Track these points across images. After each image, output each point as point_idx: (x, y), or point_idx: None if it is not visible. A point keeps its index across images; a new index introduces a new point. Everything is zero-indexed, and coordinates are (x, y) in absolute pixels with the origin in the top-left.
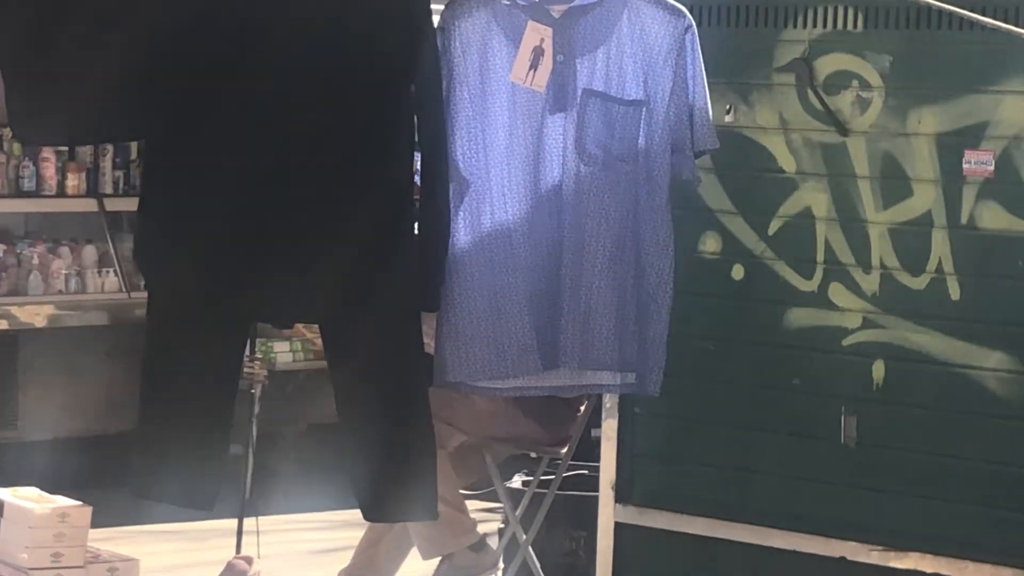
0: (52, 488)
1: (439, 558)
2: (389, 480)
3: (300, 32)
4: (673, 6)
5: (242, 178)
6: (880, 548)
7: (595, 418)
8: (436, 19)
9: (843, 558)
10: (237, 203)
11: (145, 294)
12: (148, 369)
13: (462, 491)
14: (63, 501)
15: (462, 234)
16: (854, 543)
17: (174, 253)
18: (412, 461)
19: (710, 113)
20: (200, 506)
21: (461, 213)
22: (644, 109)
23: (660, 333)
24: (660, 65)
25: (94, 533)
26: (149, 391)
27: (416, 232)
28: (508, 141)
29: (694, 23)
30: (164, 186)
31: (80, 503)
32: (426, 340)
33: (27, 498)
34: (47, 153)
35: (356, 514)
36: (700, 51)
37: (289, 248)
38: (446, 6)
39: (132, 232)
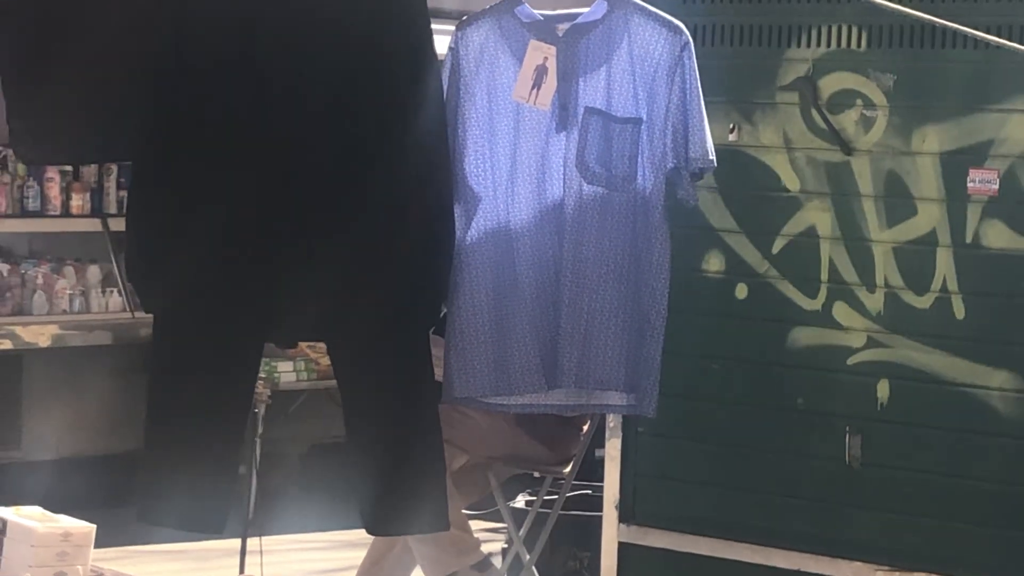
0: (55, 508)
1: None
2: (399, 493)
3: (303, 53)
4: (672, 23)
5: (245, 196)
6: (885, 568)
7: (598, 438)
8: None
9: None
10: (241, 222)
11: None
12: (155, 393)
13: (465, 511)
14: (66, 520)
15: (469, 251)
16: (859, 563)
17: (178, 275)
18: (423, 473)
19: (707, 131)
20: (210, 530)
21: (469, 230)
22: (642, 127)
23: (655, 353)
24: (658, 82)
25: (97, 553)
26: (156, 415)
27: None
28: (512, 159)
29: (691, 40)
30: (164, 207)
31: (83, 523)
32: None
33: (30, 517)
34: (51, 173)
35: (359, 534)
36: (697, 69)
37: (295, 265)
38: (457, 25)
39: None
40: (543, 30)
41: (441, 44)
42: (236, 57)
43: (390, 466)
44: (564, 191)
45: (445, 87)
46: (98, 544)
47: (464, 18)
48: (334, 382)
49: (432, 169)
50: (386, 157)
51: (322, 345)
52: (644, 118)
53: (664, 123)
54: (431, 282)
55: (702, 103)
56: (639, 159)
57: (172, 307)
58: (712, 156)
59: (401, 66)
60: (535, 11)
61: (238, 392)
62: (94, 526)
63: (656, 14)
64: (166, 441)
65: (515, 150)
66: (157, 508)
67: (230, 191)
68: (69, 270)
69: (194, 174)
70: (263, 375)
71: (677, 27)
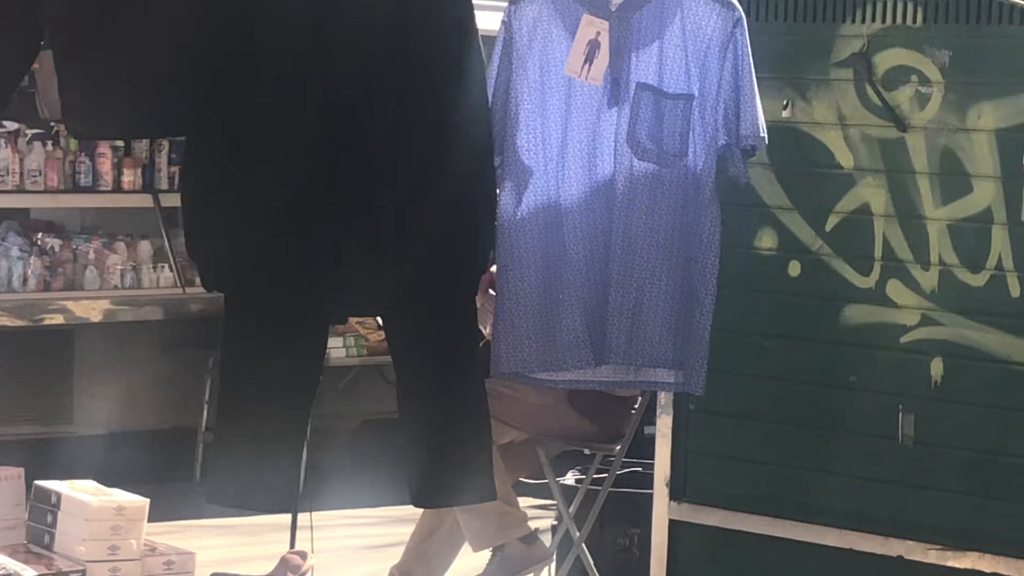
0: (107, 482)
1: (490, 552)
2: (449, 464)
3: (355, 23)
4: None
5: (302, 172)
6: (938, 547)
7: (648, 415)
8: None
9: (900, 557)
10: (299, 197)
11: (199, 289)
12: (225, 375)
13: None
14: (120, 495)
15: (519, 226)
16: (911, 542)
17: (238, 253)
18: (472, 443)
19: (759, 108)
20: (277, 509)
21: (520, 205)
22: (694, 103)
23: (704, 331)
24: (711, 58)
25: (150, 527)
26: (226, 398)
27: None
28: (564, 134)
29: (744, 16)
30: (221, 184)
31: (137, 497)
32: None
33: (84, 491)
34: (103, 148)
35: (408, 510)
36: (749, 45)
37: (354, 240)
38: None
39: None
40: (596, 4)
41: (485, 19)
42: (292, 31)
43: (442, 437)
44: (615, 167)
45: (497, 60)
46: (150, 518)
47: None
48: (383, 358)
49: (475, 143)
50: (435, 130)
51: (371, 321)
52: (696, 94)
53: (716, 99)
54: (475, 253)
55: (754, 80)
56: (690, 136)
57: (233, 286)
58: (763, 133)
59: (445, 39)
60: None
61: (305, 372)
62: (147, 500)
63: None
64: (235, 424)
65: (566, 125)
66: (226, 490)
67: (287, 166)
68: (120, 245)
69: (251, 149)
70: None
71: (730, 2)
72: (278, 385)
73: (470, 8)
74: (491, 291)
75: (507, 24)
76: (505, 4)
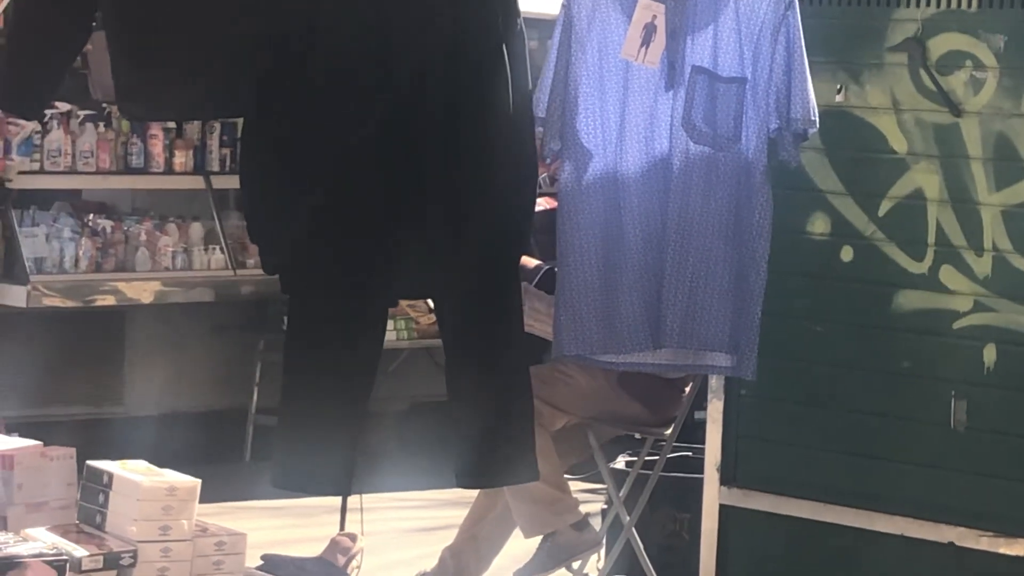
0: (158, 462)
1: (541, 537)
2: (494, 445)
3: (409, 13)
4: None
5: (359, 157)
6: (990, 534)
7: (698, 400)
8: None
9: (951, 543)
10: (357, 182)
11: (250, 271)
12: (291, 364)
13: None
14: (171, 475)
15: (578, 208)
16: (963, 528)
17: (298, 237)
18: (517, 426)
19: (810, 91)
20: (339, 493)
21: (580, 187)
22: (747, 86)
23: (755, 315)
24: (763, 42)
25: (201, 507)
26: (289, 384)
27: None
28: (621, 117)
29: None
30: (281, 168)
31: (188, 477)
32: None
33: (135, 471)
34: (155, 130)
35: (458, 493)
36: (801, 28)
37: (408, 225)
38: None
39: (244, 215)
40: None
41: (545, 3)
42: (351, 14)
43: (488, 418)
44: (671, 150)
45: (556, 43)
46: (201, 499)
47: None
48: (434, 341)
49: (518, 136)
50: (481, 122)
51: (422, 304)
52: (749, 78)
53: (768, 83)
54: (520, 238)
55: (806, 63)
56: (743, 119)
57: (294, 270)
58: (815, 117)
59: (488, 27)
60: None
61: (365, 356)
62: (199, 481)
63: None
64: (299, 409)
65: (624, 108)
66: (289, 475)
67: (345, 151)
68: (172, 227)
69: (309, 133)
70: None
71: None
72: (340, 370)
73: (515, 9)
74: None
75: (567, 7)
76: None
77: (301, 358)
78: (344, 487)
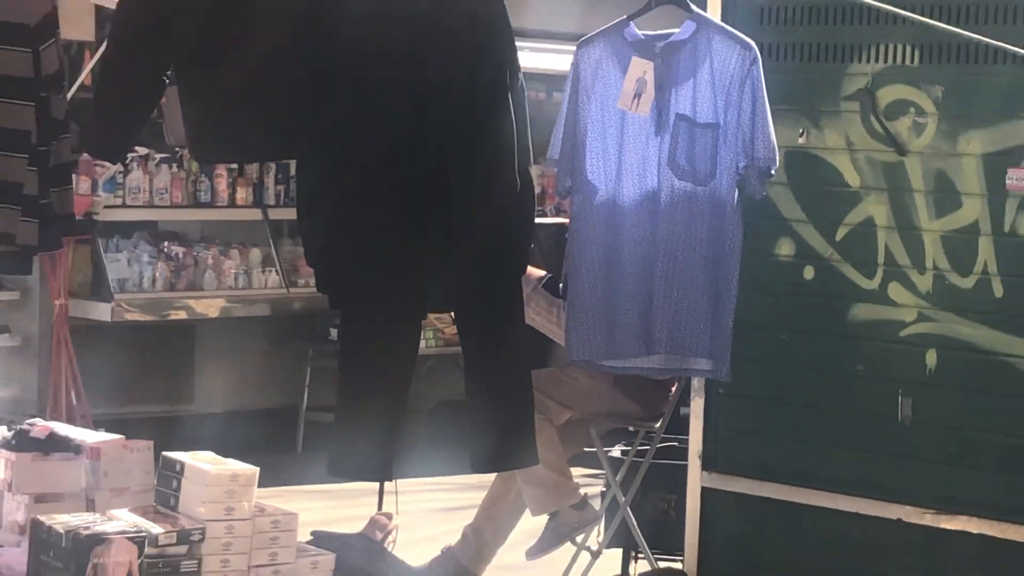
0: (223, 453)
1: (547, 516)
2: (502, 436)
3: (432, 68)
4: (744, 41)
5: (395, 191)
6: (932, 511)
7: (684, 397)
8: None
9: (899, 520)
10: (395, 213)
11: (301, 290)
12: (345, 371)
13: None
14: (233, 463)
15: (586, 235)
16: (909, 507)
17: (347, 262)
18: (520, 421)
19: (772, 133)
20: (383, 478)
21: (587, 217)
22: (720, 131)
23: (728, 326)
24: (733, 92)
25: (259, 491)
26: (342, 389)
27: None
28: (619, 158)
29: (759, 56)
30: (331, 201)
31: (248, 465)
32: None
33: (203, 460)
34: (220, 170)
35: (478, 478)
36: (764, 80)
37: (437, 249)
38: (577, 44)
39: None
40: (644, 48)
41: (557, 60)
42: (388, 66)
43: (498, 414)
44: (659, 185)
45: (567, 96)
46: (259, 484)
47: (583, 38)
48: (457, 348)
49: (520, 164)
50: (492, 155)
51: (447, 317)
52: (721, 123)
53: (737, 127)
54: (520, 260)
55: (768, 109)
56: (717, 158)
57: (346, 290)
58: (775, 155)
59: (497, 82)
60: (638, 31)
61: (405, 362)
62: (257, 468)
63: (732, 33)
64: (351, 409)
65: (621, 149)
66: (344, 464)
67: (385, 186)
68: (234, 252)
69: (354, 171)
70: None
71: (748, 44)
72: (382, 375)
73: (513, 52)
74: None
75: (575, 65)
76: (536, 45)
77: (351, 366)
78: (387, 474)
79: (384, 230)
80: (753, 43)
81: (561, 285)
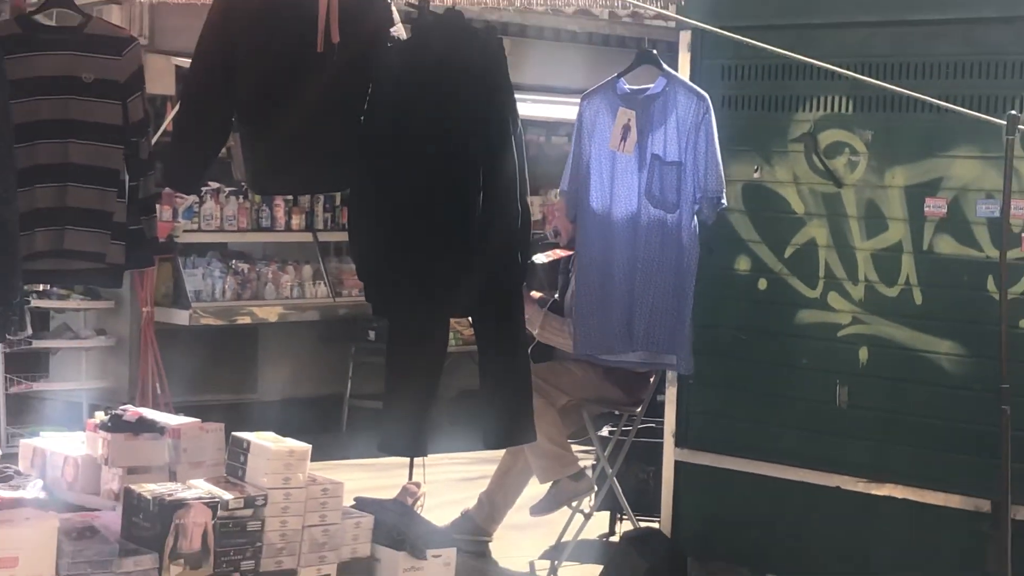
0: (282, 433)
1: (550, 483)
2: (506, 418)
3: (448, 110)
4: (699, 92)
5: (424, 214)
6: (865, 480)
7: (661, 386)
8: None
9: (838, 487)
10: (426, 234)
11: (345, 299)
12: (388, 365)
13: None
14: (290, 441)
15: (590, 253)
16: (846, 476)
17: (386, 275)
18: (521, 405)
19: (721, 170)
20: (422, 454)
21: (590, 238)
22: (682, 168)
23: (688, 330)
24: (691, 135)
25: (311, 465)
26: (388, 381)
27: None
28: (611, 189)
29: (711, 106)
30: (376, 223)
31: (302, 443)
32: (545, 335)
33: (266, 439)
34: (278, 201)
35: (491, 453)
36: (715, 124)
37: (457, 263)
38: (582, 96)
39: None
40: (629, 99)
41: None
42: (416, 122)
43: (504, 400)
44: (639, 212)
45: (575, 139)
46: (312, 459)
47: (586, 92)
48: (473, 347)
49: (520, 190)
50: (501, 191)
51: (465, 321)
52: (683, 161)
53: (694, 165)
54: (520, 270)
55: (718, 150)
56: (681, 191)
57: (385, 298)
58: (723, 187)
59: (499, 121)
60: (626, 86)
61: (437, 358)
62: (309, 446)
63: (692, 87)
64: (394, 398)
65: (612, 183)
66: (392, 443)
67: (415, 210)
68: (290, 268)
69: (391, 199)
70: None
71: (703, 96)
72: (422, 369)
73: (512, 102)
74: (536, 304)
75: (580, 115)
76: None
77: (393, 363)
78: (422, 451)
79: (415, 253)
80: (707, 95)
81: (557, 297)
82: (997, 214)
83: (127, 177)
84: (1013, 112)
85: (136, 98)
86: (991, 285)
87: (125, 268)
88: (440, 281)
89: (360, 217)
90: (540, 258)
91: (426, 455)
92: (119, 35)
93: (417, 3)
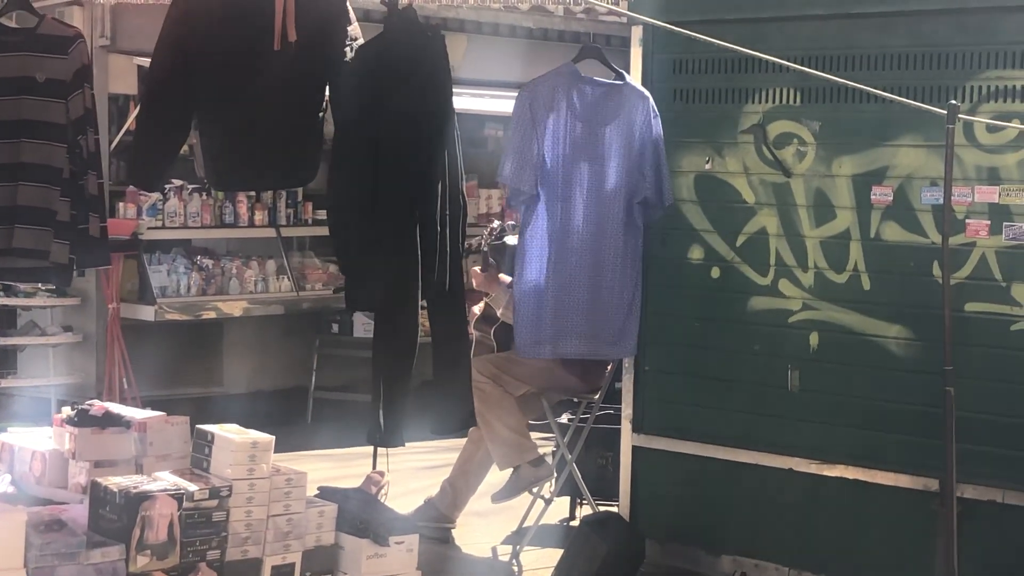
0: (245, 425)
1: (511, 470)
2: (456, 407)
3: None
4: (644, 92)
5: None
6: (816, 462)
7: (618, 374)
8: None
9: (791, 469)
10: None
11: (309, 293)
12: (377, 359)
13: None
14: (254, 433)
15: (537, 247)
16: (798, 458)
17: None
18: (461, 396)
19: (665, 166)
20: (397, 444)
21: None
22: (628, 164)
23: (637, 317)
24: (638, 133)
25: (275, 455)
26: (378, 372)
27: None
28: (563, 181)
29: (653, 102)
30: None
31: (266, 435)
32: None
33: (230, 431)
34: (241, 197)
35: (453, 442)
36: (661, 123)
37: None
38: (526, 85)
39: (307, 253)
40: (588, 83)
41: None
42: (376, 110)
43: (455, 390)
44: (589, 206)
45: (515, 127)
46: (275, 450)
47: (533, 79)
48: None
49: (460, 183)
50: (450, 182)
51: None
52: (630, 157)
53: (641, 161)
54: (458, 256)
55: (663, 149)
56: (628, 187)
57: (362, 285)
58: (670, 188)
59: (448, 123)
60: (583, 73)
61: (412, 346)
62: (273, 437)
63: (636, 88)
64: (388, 390)
65: (565, 175)
66: (379, 437)
67: (388, 223)
68: (254, 263)
69: (361, 192)
70: None
71: (647, 95)
72: (400, 360)
73: (450, 96)
74: (505, 283)
75: (527, 101)
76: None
77: (380, 357)
78: (399, 440)
79: (387, 251)
80: (648, 94)
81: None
82: (941, 201)
83: (69, 175)
84: (953, 102)
85: (77, 95)
86: (936, 270)
87: (82, 267)
88: (401, 268)
89: (337, 215)
90: (512, 240)
91: (403, 444)
92: (66, 34)
93: (387, 2)
